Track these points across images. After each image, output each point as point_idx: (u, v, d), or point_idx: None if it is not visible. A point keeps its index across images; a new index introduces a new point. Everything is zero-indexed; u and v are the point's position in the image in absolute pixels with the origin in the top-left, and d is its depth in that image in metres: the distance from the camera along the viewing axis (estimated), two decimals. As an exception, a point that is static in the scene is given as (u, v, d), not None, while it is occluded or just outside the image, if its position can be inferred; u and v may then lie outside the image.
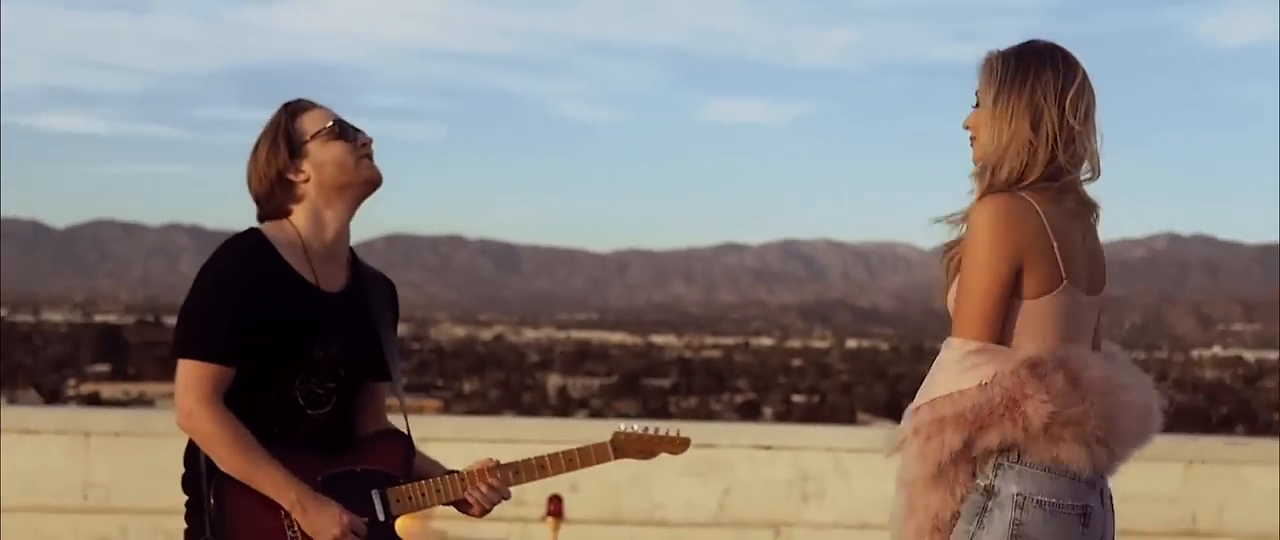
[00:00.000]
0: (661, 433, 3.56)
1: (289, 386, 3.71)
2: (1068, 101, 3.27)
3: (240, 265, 3.66)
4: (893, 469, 8.84)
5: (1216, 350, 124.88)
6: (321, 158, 3.71)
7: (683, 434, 3.62)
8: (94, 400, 58.76)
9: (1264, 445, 9.16)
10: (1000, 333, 3.21)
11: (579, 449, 3.62)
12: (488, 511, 3.69)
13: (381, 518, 3.61)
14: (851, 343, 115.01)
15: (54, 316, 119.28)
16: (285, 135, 3.71)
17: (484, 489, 3.68)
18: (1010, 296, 3.21)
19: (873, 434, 9.49)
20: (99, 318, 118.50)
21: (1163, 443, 9.75)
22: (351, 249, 3.85)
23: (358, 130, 3.79)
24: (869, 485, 8.44)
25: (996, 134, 3.26)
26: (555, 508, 7.14)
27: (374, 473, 3.70)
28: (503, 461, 3.74)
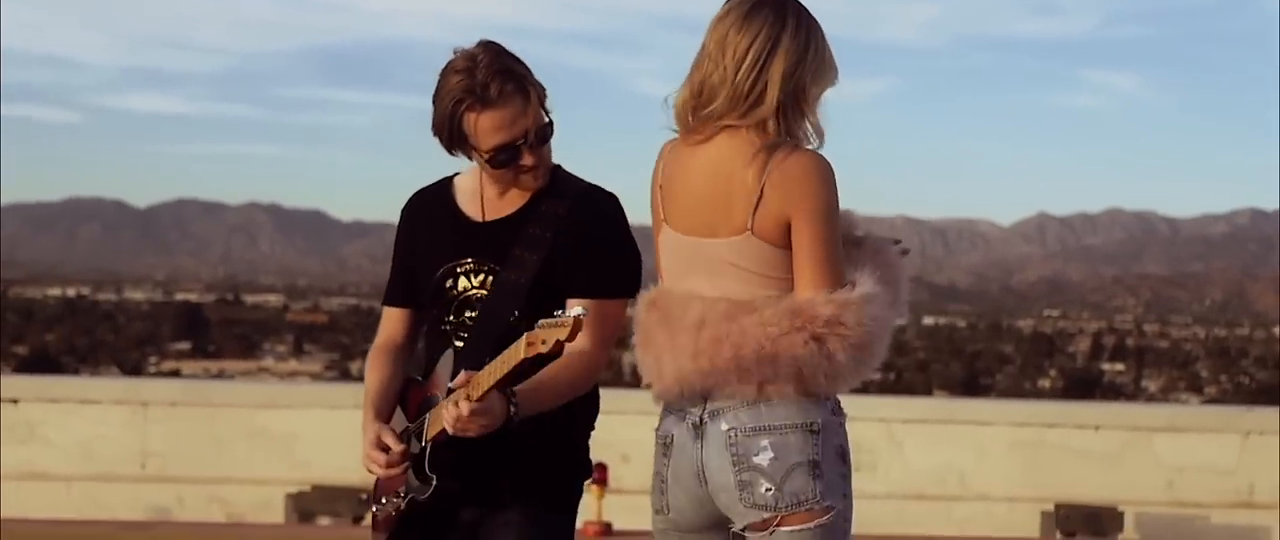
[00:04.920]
0: (561, 319, 3.19)
1: (439, 322, 3.67)
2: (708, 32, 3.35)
3: (402, 215, 3.80)
4: (947, 440, 8.78)
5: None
6: (481, 164, 3.59)
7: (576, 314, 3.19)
8: (174, 377, 59.32)
9: (1324, 416, 9.04)
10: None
11: (505, 351, 3.31)
12: (462, 431, 3.35)
13: (421, 445, 3.55)
14: (928, 320, 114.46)
15: (136, 295, 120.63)
16: (451, 125, 3.54)
17: (450, 409, 3.37)
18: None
19: (925, 404, 9.46)
20: (180, 296, 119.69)
21: (1220, 413, 9.67)
22: (557, 170, 3.67)
23: (523, 147, 3.54)
24: (922, 455, 8.41)
25: None
26: (600, 476, 7.13)
27: (433, 398, 3.59)
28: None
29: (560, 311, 3.16)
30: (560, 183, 3.66)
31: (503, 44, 3.58)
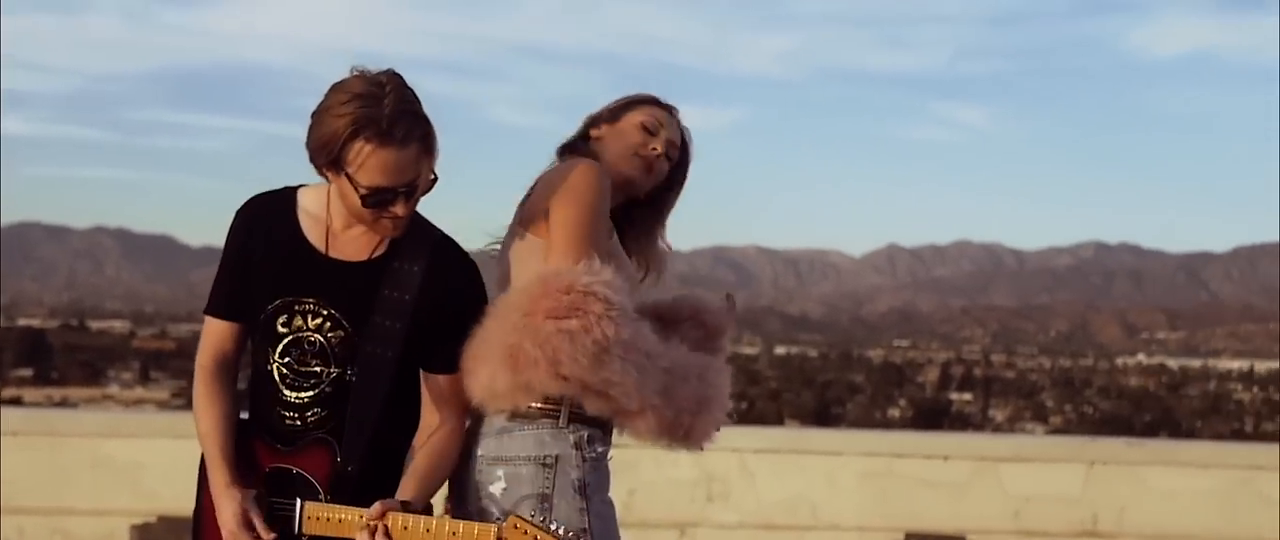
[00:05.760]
0: (555, 534, 3.19)
1: (263, 356, 3.43)
2: None
3: (240, 219, 3.50)
4: (798, 470, 8.82)
5: (1141, 358, 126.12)
6: (346, 194, 3.31)
7: None
8: (16, 405, 57.99)
9: (1164, 446, 9.26)
10: None
11: (465, 524, 3.26)
12: None
13: (296, 530, 3.32)
14: (780, 349, 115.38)
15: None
16: (337, 148, 3.24)
17: None
18: None
19: (777, 434, 9.50)
20: (22, 321, 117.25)
21: (1065, 443, 9.84)
22: (419, 219, 3.43)
23: (401, 196, 3.30)
24: (774, 485, 8.45)
25: None
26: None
27: (304, 479, 3.36)
28: (408, 505, 3.37)
29: (540, 520, 3.16)
30: (415, 229, 3.42)
31: (404, 78, 3.30)
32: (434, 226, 3.47)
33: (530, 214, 3.48)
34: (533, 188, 3.55)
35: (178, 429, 8.56)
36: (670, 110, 3.76)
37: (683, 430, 3.40)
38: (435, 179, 3.34)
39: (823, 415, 77.41)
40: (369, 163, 3.23)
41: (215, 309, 3.52)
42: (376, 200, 3.28)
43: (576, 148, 3.70)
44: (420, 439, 3.45)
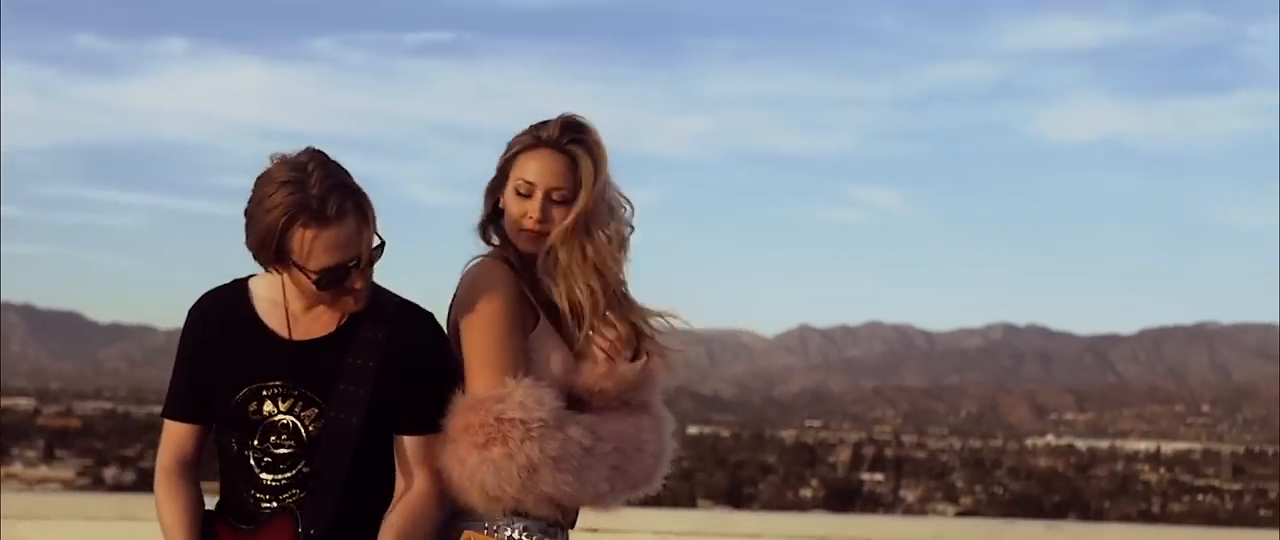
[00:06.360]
0: None
1: (240, 445, 3.37)
2: None
3: (193, 318, 3.44)
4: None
5: (1049, 439, 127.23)
6: (300, 282, 3.29)
7: None
8: (-85, 483, 56.79)
9: (1081, 530, 9.34)
10: None
11: None
12: None
13: None
14: (692, 429, 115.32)
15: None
16: (277, 241, 3.22)
17: None
18: None
19: (701, 517, 9.50)
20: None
21: (984, 526, 9.90)
22: (378, 290, 3.39)
23: (354, 270, 3.28)
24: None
25: None
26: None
27: None
28: None
29: None
30: (375, 299, 3.38)
31: (326, 152, 3.27)
32: (393, 294, 3.44)
33: (452, 323, 3.44)
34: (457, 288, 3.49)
35: (89, 510, 8.43)
36: (543, 140, 3.47)
37: (640, 493, 3.52)
38: (382, 244, 3.31)
39: (735, 495, 77.38)
40: (312, 247, 3.21)
41: (174, 413, 3.46)
42: (330, 280, 3.26)
43: (489, 225, 3.55)
44: (393, 504, 3.39)
